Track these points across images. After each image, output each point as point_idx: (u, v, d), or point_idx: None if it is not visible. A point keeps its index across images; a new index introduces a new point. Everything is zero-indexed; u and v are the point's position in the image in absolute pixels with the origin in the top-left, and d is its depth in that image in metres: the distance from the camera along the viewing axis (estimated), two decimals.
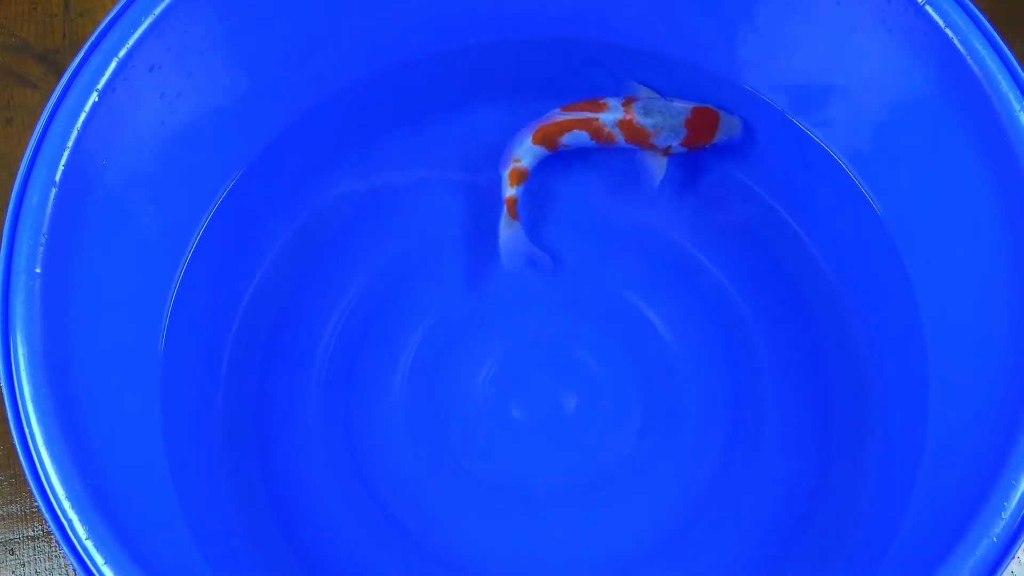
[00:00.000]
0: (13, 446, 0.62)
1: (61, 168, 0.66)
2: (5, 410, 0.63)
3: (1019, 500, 0.57)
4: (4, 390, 0.63)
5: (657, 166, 0.86)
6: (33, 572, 0.87)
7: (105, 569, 0.59)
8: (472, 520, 0.84)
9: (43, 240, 0.66)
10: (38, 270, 0.65)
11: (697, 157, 0.88)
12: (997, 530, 0.57)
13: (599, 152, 0.89)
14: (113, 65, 0.68)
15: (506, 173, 0.85)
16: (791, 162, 0.87)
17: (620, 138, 0.84)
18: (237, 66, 0.79)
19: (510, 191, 0.85)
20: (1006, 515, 0.57)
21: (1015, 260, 0.66)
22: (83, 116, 0.67)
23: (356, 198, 0.91)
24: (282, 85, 0.83)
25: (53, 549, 0.87)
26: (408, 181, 0.92)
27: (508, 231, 0.85)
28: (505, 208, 0.85)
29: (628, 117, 0.84)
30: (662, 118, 0.84)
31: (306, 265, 0.89)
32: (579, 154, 0.89)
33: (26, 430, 0.62)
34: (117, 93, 0.69)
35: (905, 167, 0.78)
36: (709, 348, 0.87)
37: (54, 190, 0.66)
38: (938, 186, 0.74)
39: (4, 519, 0.88)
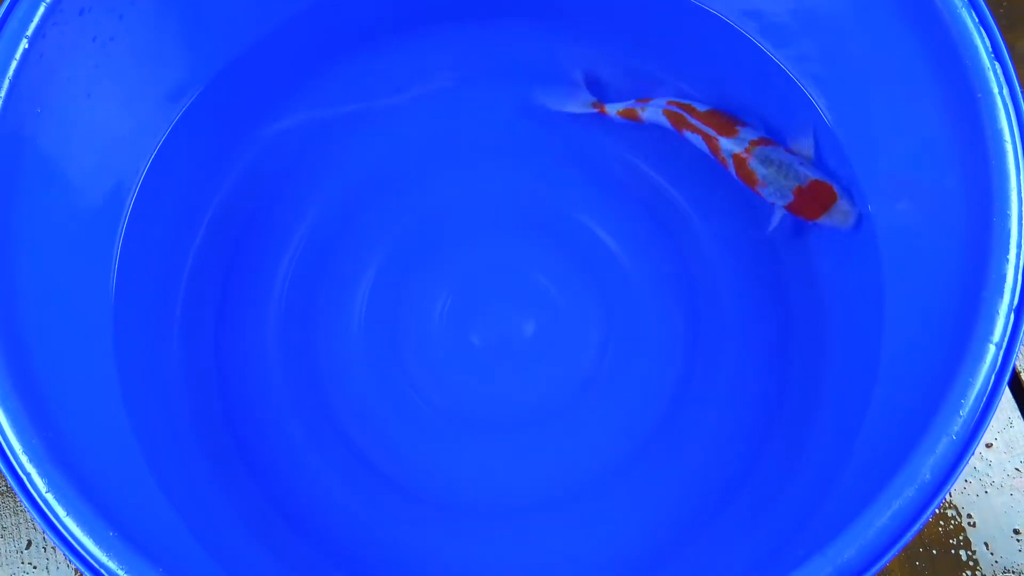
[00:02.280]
0: None
1: None
2: None
3: (976, 398, 0.58)
4: None
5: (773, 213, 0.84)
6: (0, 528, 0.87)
7: (67, 521, 0.58)
8: (434, 449, 0.84)
9: None
10: None
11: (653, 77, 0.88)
12: (956, 428, 0.57)
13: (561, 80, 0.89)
14: (41, 10, 0.66)
15: (626, 105, 0.86)
16: (746, 81, 0.86)
17: (731, 167, 0.82)
18: (169, 5, 0.77)
19: (617, 108, 0.86)
20: (964, 412, 0.58)
21: (963, 161, 0.66)
22: (14, 64, 0.65)
23: (305, 131, 0.90)
24: (218, 22, 0.82)
25: (18, 504, 0.86)
26: (358, 111, 0.91)
27: (580, 106, 0.87)
28: (596, 109, 0.86)
29: (744, 156, 0.81)
30: (776, 174, 0.81)
31: (257, 201, 0.88)
32: (538, 79, 0.89)
33: None
34: (48, 39, 0.67)
35: (862, 89, 0.77)
36: (666, 268, 0.87)
37: None
38: (895, 112, 0.74)
39: None
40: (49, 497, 0.59)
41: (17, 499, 0.84)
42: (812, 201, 0.80)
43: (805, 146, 0.82)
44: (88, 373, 0.73)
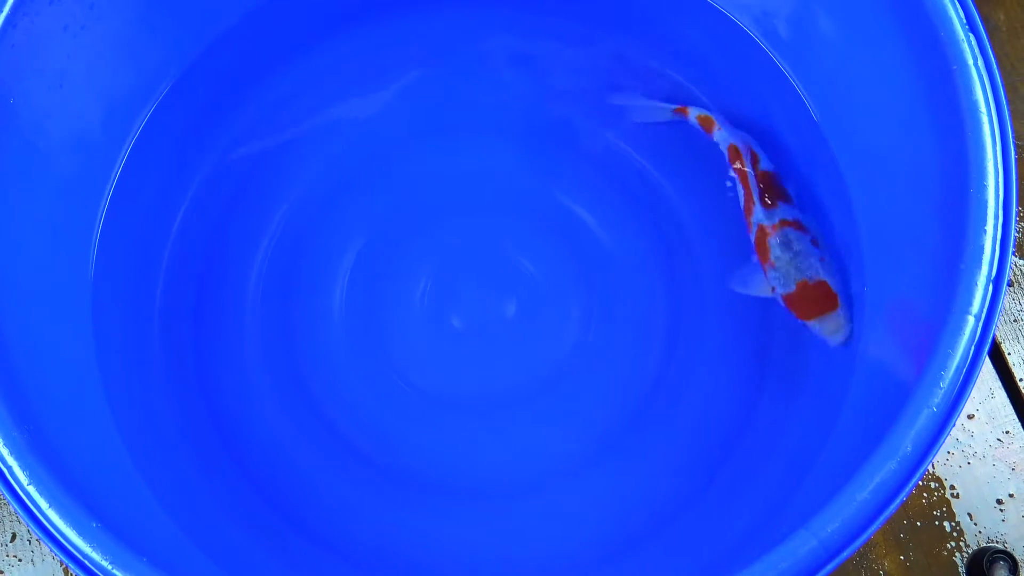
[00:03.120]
0: None
1: None
2: None
3: (956, 370, 0.58)
4: None
5: (760, 286, 0.81)
6: None
7: (50, 513, 0.58)
8: (416, 430, 0.84)
9: None
10: None
11: (623, 58, 0.88)
12: (936, 400, 0.57)
13: (534, 60, 0.89)
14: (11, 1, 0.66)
15: (704, 113, 0.84)
16: (724, 59, 0.86)
17: (752, 233, 0.80)
18: None
19: (693, 113, 0.84)
20: (944, 384, 0.58)
21: (939, 134, 0.66)
22: None
23: (281, 116, 0.90)
24: (191, 9, 0.81)
25: (0, 498, 0.86)
26: (335, 96, 0.91)
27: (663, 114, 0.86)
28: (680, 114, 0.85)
29: (768, 231, 0.79)
30: (789, 262, 0.79)
31: (235, 187, 0.88)
32: (513, 60, 0.89)
33: None
34: (19, 29, 0.67)
35: (836, 64, 0.77)
36: (647, 246, 0.87)
37: None
38: (871, 87, 0.73)
39: None
40: (31, 489, 0.59)
41: None
42: (811, 302, 0.78)
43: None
44: (68, 363, 0.72)
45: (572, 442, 0.84)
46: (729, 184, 0.82)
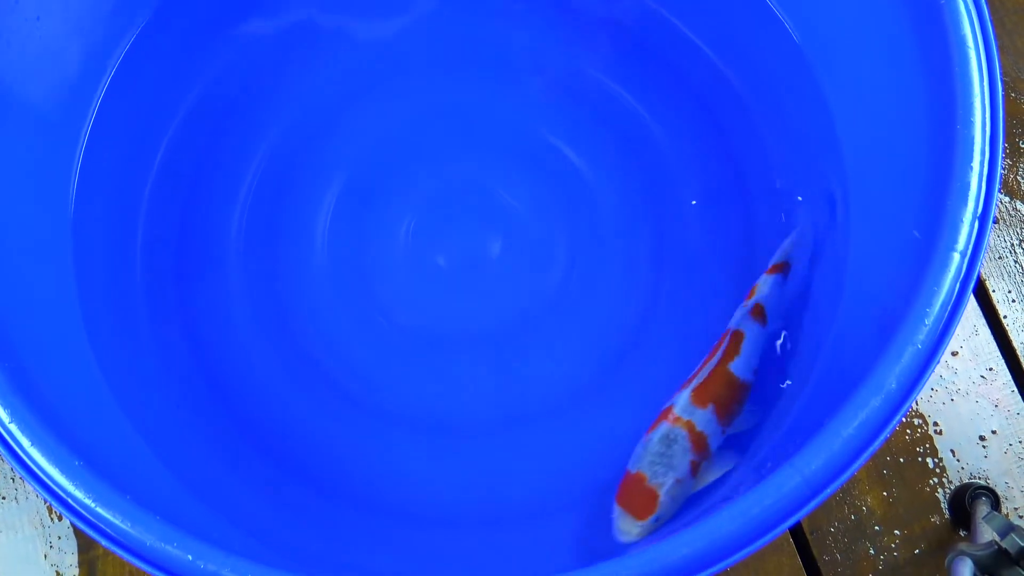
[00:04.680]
0: None
1: None
2: None
3: (941, 306, 0.58)
4: None
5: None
6: None
7: (32, 451, 0.58)
8: (400, 369, 0.84)
9: None
10: None
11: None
12: (921, 337, 0.57)
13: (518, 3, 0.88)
14: None
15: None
16: None
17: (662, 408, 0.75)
18: None
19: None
20: (929, 321, 0.58)
21: (926, 70, 0.65)
22: None
23: (263, 48, 0.89)
24: None
25: None
26: (318, 28, 0.90)
27: None
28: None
29: (665, 415, 0.74)
30: (656, 451, 0.72)
31: (218, 119, 0.88)
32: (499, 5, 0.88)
33: None
34: None
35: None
36: (632, 183, 0.87)
37: None
38: (858, 22, 0.73)
39: None
40: (12, 428, 0.58)
41: None
42: (636, 495, 0.72)
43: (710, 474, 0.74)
44: (48, 303, 0.72)
45: (557, 379, 0.84)
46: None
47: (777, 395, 0.76)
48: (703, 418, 0.73)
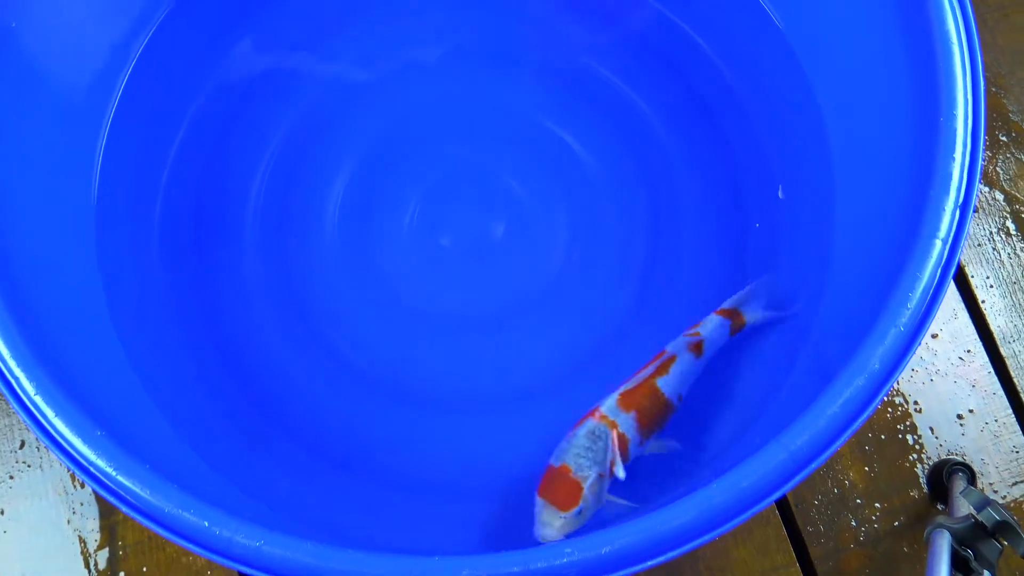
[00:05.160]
0: None
1: None
2: None
3: (923, 291, 0.58)
4: None
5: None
6: None
7: (56, 422, 0.58)
8: (406, 346, 0.83)
9: None
10: None
11: None
12: (904, 320, 0.57)
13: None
14: None
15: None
16: None
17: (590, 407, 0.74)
18: None
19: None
20: (911, 305, 0.58)
21: (911, 63, 0.65)
22: None
23: (279, 41, 0.89)
24: None
25: (7, 408, 0.86)
26: (333, 22, 0.89)
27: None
28: None
29: (592, 413, 0.73)
30: (582, 445, 0.71)
31: (235, 107, 0.87)
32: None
33: None
34: None
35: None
36: (628, 166, 0.87)
37: None
38: (846, 16, 0.73)
39: None
40: (38, 399, 0.58)
41: (6, 402, 0.84)
42: (559, 487, 0.71)
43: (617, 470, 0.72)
44: (72, 279, 0.72)
45: (556, 358, 0.83)
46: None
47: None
48: (625, 422, 0.72)
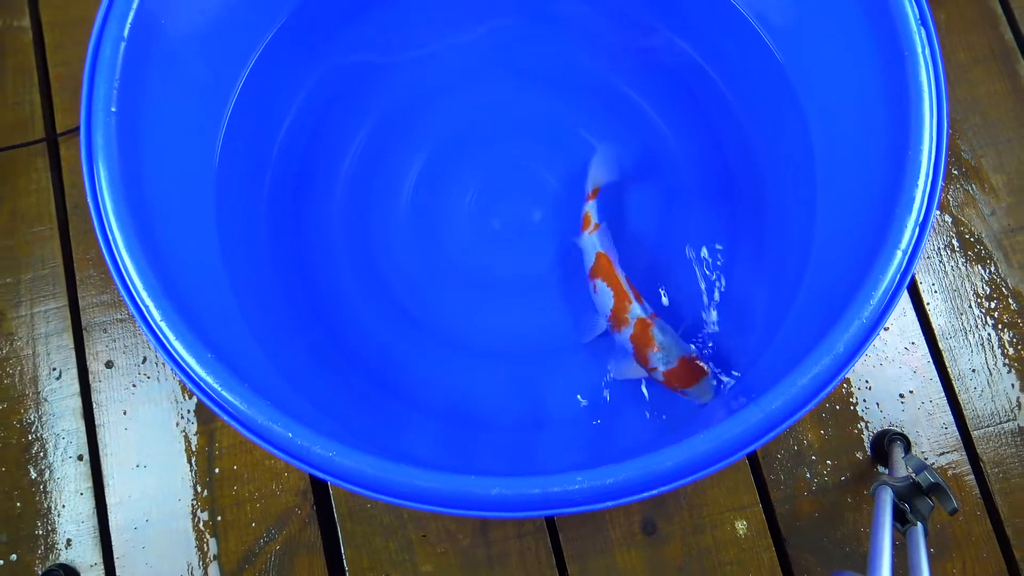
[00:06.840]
0: (99, 250, 0.61)
1: (128, 26, 0.64)
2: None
3: (884, 291, 0.58)
4: (90, 205, 0.62)
5: (634, 370, 0.78)
6: (122, 347, 0.87)
7: (176, 344, 0.59)
8: (462, 306, 0.84)
9: (116, 84, 0.64)
10: (113, 109, 0.63)
11: (636, 20, 0.86)
12: (866, 313, 0.57)
13: (569, 20, 0.88)
14: None
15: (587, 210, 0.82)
16: (713, 24, 0.84)
17: (628, 329, 0.77)
18: None
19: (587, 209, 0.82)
20: (873, 302, 0.58)
21: (888, 105, 0.65)
22: None
23: (372, 49, 0.88)
24: None
25: (137, 329, 0.87)
26: (425, 33, 0.89)
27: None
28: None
29: (645, 324, 0.76)
30: (671, 343, 0.75)
31: (333, 100, 0.87)
32: (553, 19, 0.88)
33: (109, 236, 0.61)
34: None
35: (804, 26, 0.76)
36: (643, 167, 0.86)
37: (123, 44, 0.64)
38: (837, 64, 0.72)
39: (98, 306, 0.88)
40: (163, 325, 0.59)
41: (135, 325, 0.85)
42: (689, 373, 0.75)
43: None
44: (195, 229, 0.72)
45: (578, 316, 0.84)
46: (595, 290, 0.79)
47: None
48: (648, 307, 0.78)
